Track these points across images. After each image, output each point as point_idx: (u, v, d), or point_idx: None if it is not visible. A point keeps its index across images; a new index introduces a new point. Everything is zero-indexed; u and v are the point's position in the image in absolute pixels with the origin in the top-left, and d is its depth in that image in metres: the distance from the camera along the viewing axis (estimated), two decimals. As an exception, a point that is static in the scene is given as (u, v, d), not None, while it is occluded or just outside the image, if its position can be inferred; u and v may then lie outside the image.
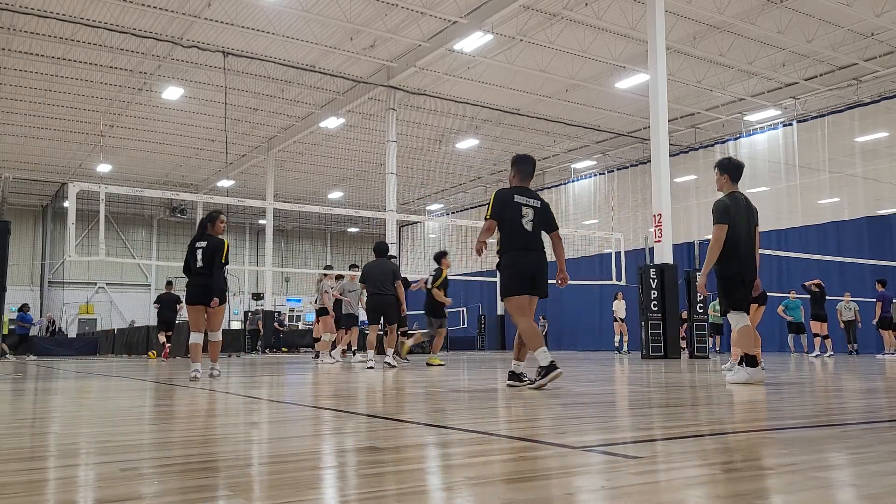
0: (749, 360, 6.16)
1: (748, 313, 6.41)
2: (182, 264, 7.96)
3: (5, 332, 21.87)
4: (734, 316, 6.31)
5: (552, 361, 5.50)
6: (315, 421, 3.79)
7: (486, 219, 5.91)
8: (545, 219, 6.00)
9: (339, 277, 14.70)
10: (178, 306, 17.75)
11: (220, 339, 7.97)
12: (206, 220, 8.02)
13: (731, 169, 6.47)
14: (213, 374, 7.81)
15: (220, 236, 7.94)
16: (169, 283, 18.48)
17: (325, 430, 3.32)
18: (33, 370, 11.53)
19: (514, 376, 5.89)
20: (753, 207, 6.54)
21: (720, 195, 6.49)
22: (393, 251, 20.30)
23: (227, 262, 7.84)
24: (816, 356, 16.21)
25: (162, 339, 17.60)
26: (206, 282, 7.64)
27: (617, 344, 20.75)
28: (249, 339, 26.01)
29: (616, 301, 20.54)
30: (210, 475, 2.12)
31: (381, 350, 13.71)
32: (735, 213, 6.27)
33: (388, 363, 10.82)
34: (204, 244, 7.78)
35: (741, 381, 6.10)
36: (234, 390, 5.99)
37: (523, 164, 6.10)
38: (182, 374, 8.81)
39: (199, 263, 7.70)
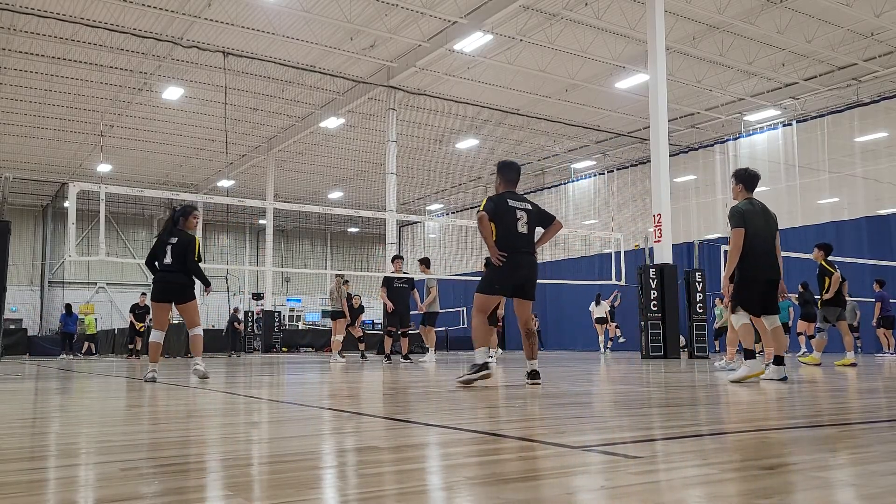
0: (748, 354, 6.41)
1: (754, 314, 6.63)
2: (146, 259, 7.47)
3: (93, 331, 23.70)
4: (739, 314, 6.60)
5: (486, 363, 5.80)
6: (315, 421, 3.79)
7: (478, 211, 5.92)
8: (541, 217, 6.16)
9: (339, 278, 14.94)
10: (146, 317, 20.85)
11: (202, 333, 7.53)
12: (178, 214, 7.52)
13: (745, 179, 6.76)
14: (196, 371, 7.22)
15: (192, 232, 7.52)
16: (143, 294, 21.69)
17: (325, 430, 3.32)
18: (42, 369, 11.53)
19: (533, 374, 5.85)
20: (771, 213, 6.81)
21: (734, 202, 6.78)
22: (393, 251, 20.43)
23: (200, 259, 7.38)
24: (803, 354, 16.18)
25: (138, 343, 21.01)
26: (178, 279, 7.27)
27: (610, 344, 20.88)
28: (230, 339, 24.12)
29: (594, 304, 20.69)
30: (210, 475, 2.12)
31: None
32: (751, 217, 6.52)
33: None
34: (174, 240, 7.33)
35: (742, 377, 6.25)
36: (234, 390, 5.99)
37: (508, 172, 6.21)
38: (181, 375, 8.79)
39: (168, 260, 7.26)
